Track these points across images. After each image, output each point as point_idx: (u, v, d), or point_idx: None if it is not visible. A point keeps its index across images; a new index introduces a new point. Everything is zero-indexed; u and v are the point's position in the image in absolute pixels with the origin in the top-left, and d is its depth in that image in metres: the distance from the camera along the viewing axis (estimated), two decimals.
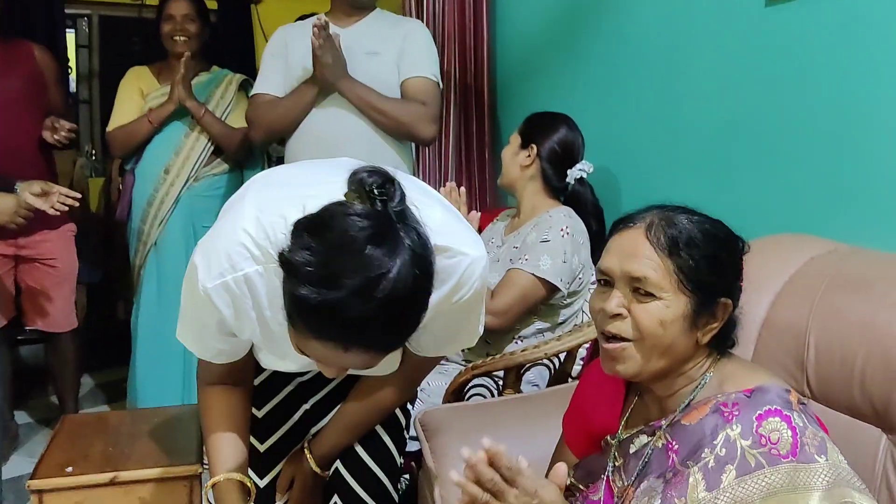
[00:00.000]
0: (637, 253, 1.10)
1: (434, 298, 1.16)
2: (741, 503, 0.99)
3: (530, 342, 2.13)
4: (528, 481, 1.04)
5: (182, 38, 2.83)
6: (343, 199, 1.02)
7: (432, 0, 3.14)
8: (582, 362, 2.19)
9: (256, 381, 1.50)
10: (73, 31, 4.25)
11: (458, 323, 1.31)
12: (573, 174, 2.26)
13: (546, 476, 1.11)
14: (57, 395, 3.07)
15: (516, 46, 3.11)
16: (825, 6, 1.71)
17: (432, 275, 1.03)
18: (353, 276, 0.94)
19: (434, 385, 2.13)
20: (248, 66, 3.29)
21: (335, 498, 1.50)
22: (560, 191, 2.28)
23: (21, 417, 3.24)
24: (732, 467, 1.01)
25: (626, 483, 1.16)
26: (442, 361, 2.24)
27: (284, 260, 0.99)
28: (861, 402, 1.28)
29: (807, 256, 1.50)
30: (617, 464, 1.20)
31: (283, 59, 2.40)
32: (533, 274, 2.08)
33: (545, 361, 2.06)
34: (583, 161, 2.28)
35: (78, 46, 4.25)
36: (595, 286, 2.26)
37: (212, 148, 2.86)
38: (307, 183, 1.15)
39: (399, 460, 1.55)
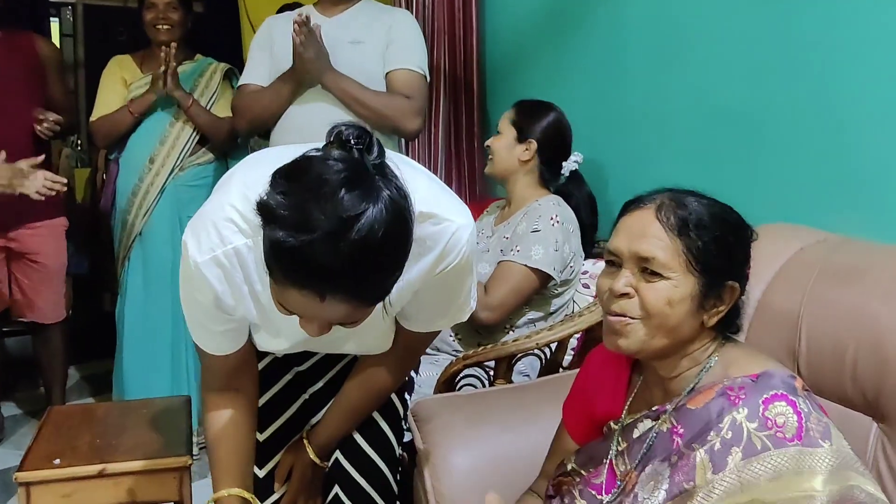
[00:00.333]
0: (646, 233, 1.11)
1: (422, 266, 1.18)
2: (747, 485, 1.00)
3: (522, 332, 2.13)
4: None
5: (165, 27, 2.80)
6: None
7: None
8: (573, 352, 2.19)
9: None
10: (56, 20, 4.22)
11: (448, 294, 1.31)
12: (568, 166, 2.26)
13: None
14: (44, 386, 3.06)
15: (506, 37, 3.10)
16: None
17: (410, 225, 1.02)
18: (326, 218, 0.94)
19: (425, 376, 2.12)
20: (234, 56, 3.27)
21: (336, 488, 1.50)
22: (551, 181, 2.28)
23: (7, 409, 3.22)
24: (739, 449, 1.02)
25: (629, 467, 1.16)
26: (433, 352, 2.25)
27: (261, 205, 0.98)
28: (852, 392, 1.29)
29: (797, 246, 1.51)
30: (620, 448, 1.20)
31: (269, 50, 2.39)
32: (525, 265, 2.08)
33: (536, 351, 2.06)
34: (574, 152, 2.28)
35: (62, 36, 4.22)
36: (584, 276, 2.29)
37: (197, 137, 2.83)
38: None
39: (398, 450, 1.56)
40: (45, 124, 2.64)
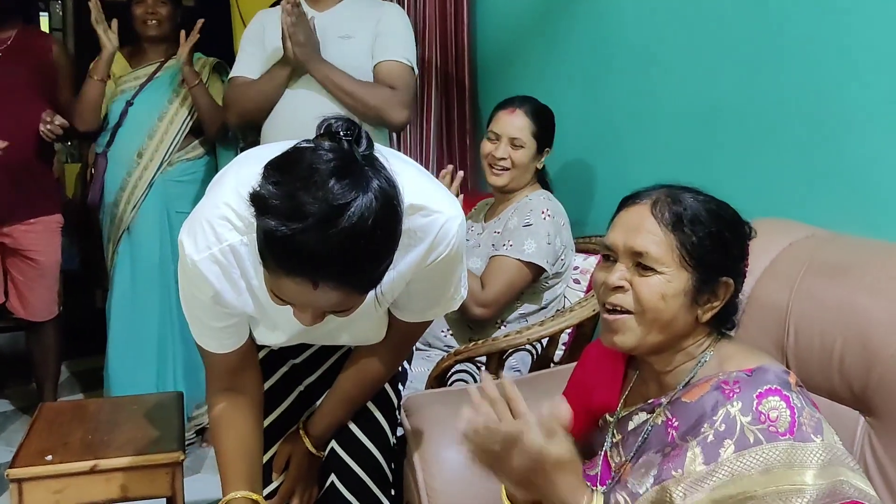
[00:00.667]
0: (641, 228, 1.12)
1: (413, 258, 1.21)
2: (739, 477, 1.01)
3: (513, 327, 2.14)
4: (534, 441, 1.05)
5: (153, 22, 2.80)
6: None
7: None
8: (564, 347, 2.20)
9: None
10: (46, 14, 4.20)
11: (439, 284, 1.33)
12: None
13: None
14: (36, 382, 3.05)
15: (497, 32, 3.10)
16: None
17: (399, 214, 1.04)
18: (317, 206, 0.96)
19: (417, 371, 2.13)
20: (225, 51, 3.25)
21: (332, 476, 1.52)
22: (536, 174, 2.28)
23: None
24: (731, 442, 1.03)
25: (624, 459, 1.18)
26: (425, 347, 2.25)
27: (254, 196, 1.00)
28: (839, 386, 1.30)
29: (786, 242, 1.52)
30: (615, 440, 1.21)
31: (261, 43, 2.38)
32: (518, 259, 2.08)
33: (527, 347, 2.07)
34: None
35: (52, 30, 4.20)
36: (575, 271, 2.30)
37: (186, 132, 2.83)
38: None
39: (392, 439, 1.58)
40: (48, 126, 2.64)
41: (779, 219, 1.66)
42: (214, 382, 1.40)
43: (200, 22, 2.71)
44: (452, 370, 2.03)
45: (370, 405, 1.54)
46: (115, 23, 2.71)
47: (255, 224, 1.03)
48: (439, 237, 1.22)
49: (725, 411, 1.05)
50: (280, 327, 1.36)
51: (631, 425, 1.20)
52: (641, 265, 1.12)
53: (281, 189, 0.98)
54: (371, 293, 1.10)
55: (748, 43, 1.88)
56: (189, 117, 2.83)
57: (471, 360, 2.03)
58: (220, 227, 1.17)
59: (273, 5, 2.76)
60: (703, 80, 2.03)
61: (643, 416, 1.19)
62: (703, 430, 1.06)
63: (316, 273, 1.00)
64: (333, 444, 1.52)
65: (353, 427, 1.52)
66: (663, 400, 1.16)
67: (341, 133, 1.02)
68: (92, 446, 1.86)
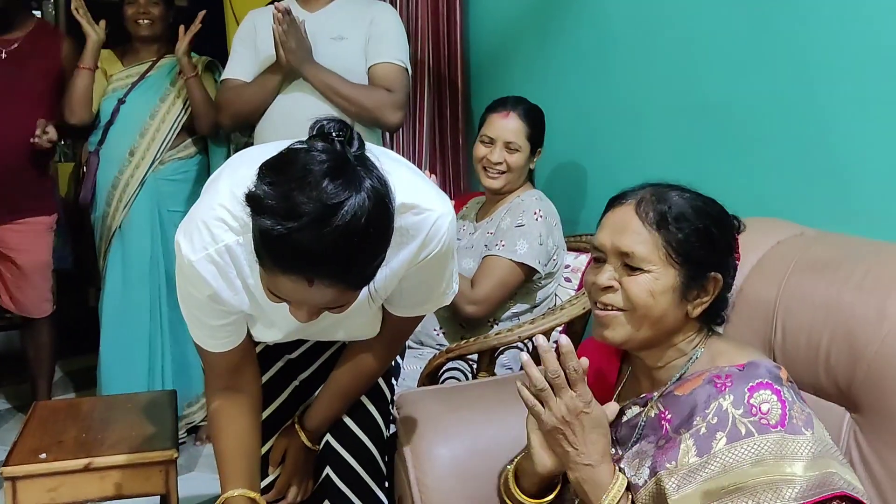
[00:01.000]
0: (627, 228, 1.14)
1: (405, 255, 1.23)
2: (731, 468, 1.03)
3: (505, 325, 2.15)
4: (587, 389, 1.10)
5: (145, 22, 2.80)
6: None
7: None
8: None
9: None
10: (38, 12, 4.19)
11: (431, 280, 1.35)
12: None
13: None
14: (31, 381, 3.05)
15: (490, 32, 3.11)
16: None
17: (391, 212, 1.07)
18: (311, 205, 0.98)
19: (409, 369, 2.14)
20: (218, 49, 3.26)
21: (327, 469, 1.54)
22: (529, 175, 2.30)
23: None
24: (723, 434, 1.05)
25: (619, 452, 1.20)
26: (417, 346, 2.26)
27: (249, 197, 1.02)
28: (826, 382, 1.31)
29: (774, 240, 1.53)
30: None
31: (252, 44, 2.39)
32: (511, 259, 2.09)
33: (519, 344, 2.08)
34: None
35: None
36: (566, 269, 2.31)
37: (178, 130, 2.83)
38: None
39: (386, 432, 1.61)
40: (36, 139, 2.65)
41: (767, 217, 1.67)
42: (213, 381, 1.41)
43: (202, 13, 2.72)
44: (444, 368, 2.04)
45: (364, 399, 1.56)
46: (102, 23, 2.72)
47: (251, 224, 1.04)
48: (430, 234, 1.24)
49: (718, 404, 1.07)
50: (277, 325, 1.38)
51: (625, 418, 1.22)
52: (629, 265, 1.13)
53: (276, 189, 1.00)
54: (365, 289, 1.12)
55: (736, 44, 1.89)
56: (181, 116, 2.83)
57: (463, 357, 2.04)
58: (215, 228, 1.19)
59: (267, 4, 2.77)
60: (693, 79, 2.05)
61: (636, 409, 1.21)
62: (695, 422, 1.08)
63: (311, 271, 1.02)
64: (329, 437, 1.55)
65: (347, 420, 1.55)
66: (655, 394, 1.18)
67: (333, 134, 1.04)
68: (86, 444, 1.86)
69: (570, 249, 2.33)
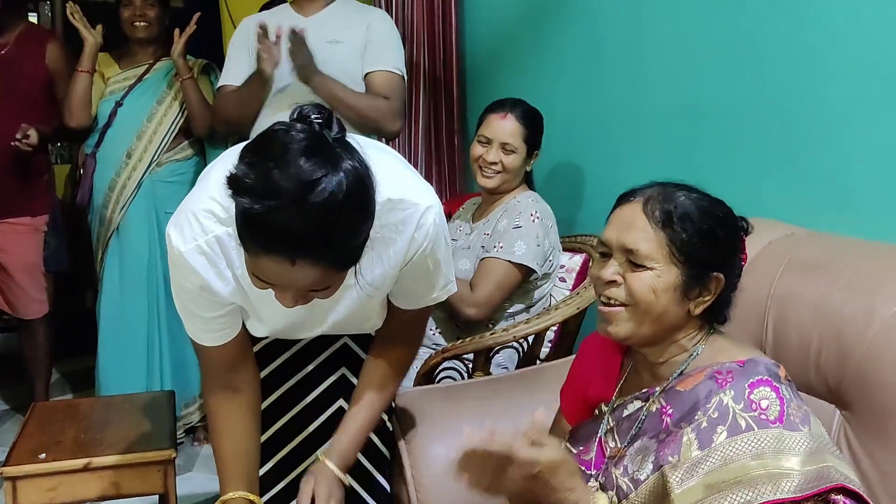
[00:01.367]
0: (633, 225, 1.16)
1: (397, 249, 1.25)
2: (730, 461, 1.05)
3: (500, 325, 2.17)
4: (524, 453, 1.08)
5: (142, 24, 2.81)
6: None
7: None
8: (550, 345, 2.23)
9: None
10: (35, 15, 4.19)
11: (429, 269, 1.35)
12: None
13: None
14: (28, 381, 3.06)
15: (485, 35, 3.12)
16: None
17: (371, 192, 1.08)
18: (289, 183, 0.99)
19: None
20: (215, 52, 3.27)
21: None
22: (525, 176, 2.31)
23: None
24: (724, 428, 1.07)
25: (619, 445, 1.22)
26: None
27: (230, 178, 1.03)
28: (816, 381, 1.33)
29: (766, 240, 1.55)
30: (610, 426, 1.25)
31: (247, 50, 2.40)
32: (509, 261, 2.11)
33: (514, 344, 2.09)
34: None
35: None
36: (561, 269, 2.33)
37: (175, 133, 2.84)
38: None
39: (389, 425, 1.62)
40: (14, 142, 2.66)
41: (759, 218, 1.69)
42: (211, 380, 1.41)
43: (197, 15, 2.74)
44: (440, 367, 2.05)
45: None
46: (99, 27, 2.73)
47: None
48: (419, 228, 1.26)
49: (718, 399, 1.09)
50: (265, 319, 1.38)
51: (626, 412, 1.24)
52: (633, 261, 1.16)
53: (254, 169, 1.01)
54: (353, 280, 1.13)
55: (729, 47, 1.91)
56: (178, 118, 2.84)
57: (458, 357, 2.05)
58: (205, 220, 1.21)
59: (262, 8, 2.78)
60: (687, 81, 2.07)
61: (638, 403, 1.23)
62: (696, 417, 1.11)
63: (292, 249, 1.03)
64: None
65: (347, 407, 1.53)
66: (657, 389, 1.20)
67: (312, 116, 1.06)
68: (85, 445, 1.87)
69: (565, 250, 2.34)
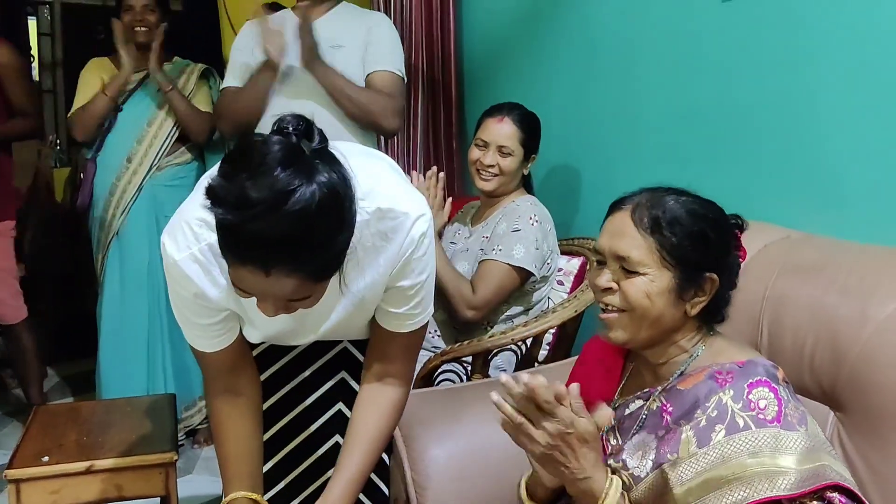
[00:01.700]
0: (623, 233, 1.19)
1: (384, 259, 1.25)
2: (729, 458, 1.07)
3: (499, 328, 2.18)
4: (565, 413, 1.11)
5: (142, 29, 2.82)
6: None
7: None
8: (548, 347, 2.25)
9: None
10: (34, 18, 4.21)
11: (418, 280, 1.33)
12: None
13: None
14: (21, 385, 3.07)
15: (482, 39, 3.13)
16: (778, 3, 1.77)
17: (346, 204, 1.07)
18: (262, 193, 0.99)
19: None
20: (214, 56, 3.28)
21: (336, 437, 1.54)
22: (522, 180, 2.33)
23: None
24: (722, 426, 1.09)
25: (620, 443, 1.24)
26: None
27: (208, 190, 1.03)
28: (810, 383, 1.35)
29: (761, 244, 1.57)
30: (611, 424, 1.27)
31: (251, 53, 2.42)
32: (508, 264, 2.12)
33: (512, 347, 2.11)
34: None
35: (40, 34, 4.20)
36: (559, 273, 2.34)
37: (175, 137, 2.86)
38: None
39: (385, 459, 1.58)
40: None
41: (754, 221, 1.70)
42: (212, 384, 1.42)
43: (164, 25, 2.77)
44: (439, 370, 2.07)
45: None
46: (116, 24, 2.75)
47: None
48: (409, 237, 1.26)
49: (718, 398, 1.11)
50: (257, 325, 1.38)
51: (627, 411, 1.26)
52: (626, 268, 1.18)
53: (230, 180, 1.02)
54: (336, 287, 1.13)
55: (725, 51, 1.92)
56: (178, 122, 2.85)
57: (457, 360, 2.07)
58: (198, 228, 1.21)
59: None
60: (682, 86, 2.08)
61: (639, 402, 1.25)
62: (696, 415, 1.12)
63: (265, 260, 1.03)
64: (337, 437, 1.53)
65: (347, 412, 1.53)
66: (658, 388, 1.22)
67: (289, 128, 1.06)
68: (87, 447, 1.89)
69: (563, 253, 2.36)
